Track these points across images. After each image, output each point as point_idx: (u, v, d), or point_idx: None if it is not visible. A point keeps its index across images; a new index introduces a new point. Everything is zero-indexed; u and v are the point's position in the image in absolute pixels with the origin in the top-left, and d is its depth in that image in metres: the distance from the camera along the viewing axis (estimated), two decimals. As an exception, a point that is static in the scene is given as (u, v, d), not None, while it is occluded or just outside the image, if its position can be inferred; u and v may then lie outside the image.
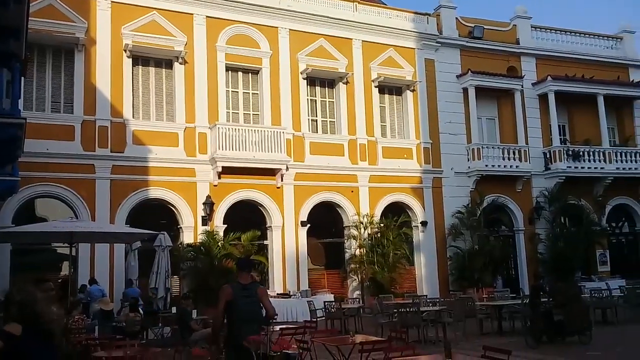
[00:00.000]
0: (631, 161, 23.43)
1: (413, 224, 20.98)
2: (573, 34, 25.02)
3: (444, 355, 5.86)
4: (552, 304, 12.02)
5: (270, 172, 18.75)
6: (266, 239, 19.06)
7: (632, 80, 24.98)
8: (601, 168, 22.75)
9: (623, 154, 23.43)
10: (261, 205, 18.93)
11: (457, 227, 20.70)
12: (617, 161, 23.14)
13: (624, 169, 23.19)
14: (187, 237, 17.58)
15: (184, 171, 17.84)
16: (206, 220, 17.67)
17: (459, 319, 13.08)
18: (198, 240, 17.35)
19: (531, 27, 24.07)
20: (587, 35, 25.29)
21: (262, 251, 18.74)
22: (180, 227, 17.78)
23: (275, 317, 6.35)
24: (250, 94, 19.82)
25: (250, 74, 19.84)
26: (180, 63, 18.35)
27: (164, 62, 18.63)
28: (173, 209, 17.81)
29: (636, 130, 24.92)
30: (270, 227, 18.96)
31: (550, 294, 12.36)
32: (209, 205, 17.66)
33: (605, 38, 25.71)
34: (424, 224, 20.91)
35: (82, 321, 10.21)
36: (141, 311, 12.90)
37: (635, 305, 15.98)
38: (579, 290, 13.44)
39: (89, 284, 15.01)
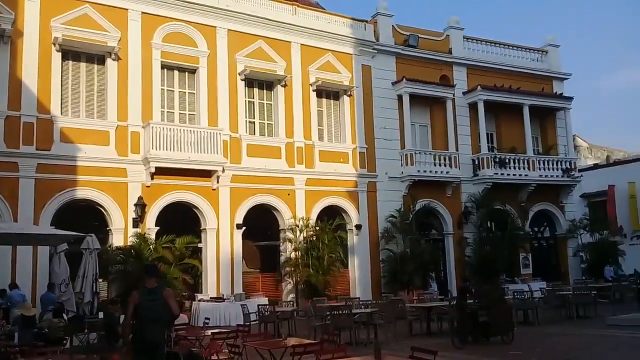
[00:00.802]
0: (553, 169, 24.79)
1: (348, 227, 21.28)
2: (502, 45, 26.19)
3: (373, 357, 6.02)
4: (478, 306, 12.53)
5: (206, 174, 18.50)
6: (200, 241, 18.78)
7: (556, 92, 26.45)
8: (525, 175, 23.93)
9: (545, 162, 24.75)
10: (196, 208, 18.64)
11: (390, 230, 21.18)
12: (540, 169, 24.40)
13: (546, 176, 24.49)
14: (117, 240, 17.04)
15: (115, 171, 17.30)
16: (137, 222, 17.20)
17: (389, 320, 13.38)
18: (128, 243, 16.85)
19: (463, 37, 25.02)
20: (515, 48, 26.55)
21: (196, 254, 18.44)
22: (110, 230, 17.23)
23: (178, 317, 6.98)
24: (187, 93, 19.49)
25: (186, 72, 19.51)
26: (113, 59, 17.80)
27: (96, 57, 18.01)
28: (102, 210, 17.22)
29: (558, 139, 26.37)
30: (205, 229, 18.70)
31: (476, 296, 12.89)
32: (141, 206, 17.21)
33: (532, 51, 27.08)
34: (358, 227, 21.26)
35: (2, 327, 9.71)
36: (65, 317, 12.39)
37: (555, 307, 16.94)
38: (503, 292, 14.10)
39: (9, 288, 14.22)
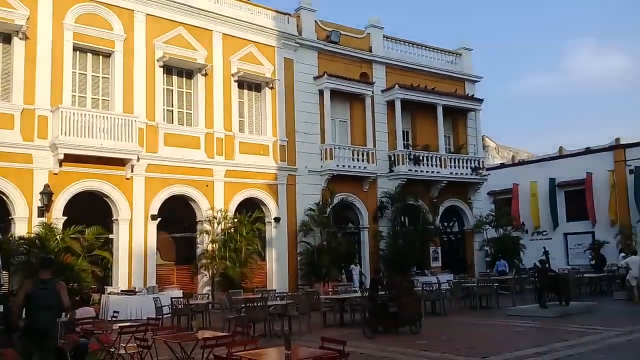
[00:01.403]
0: (463, 167, 26.05)
1: (267, 219, 21.31)
2: (420, 47, 27.10)
3: (284, 348, 6.13)
4: (389, 297, 13.01)
5: (120, 162, 17.87)
6: (112, 232, 18.13)
7: (467, 94, 27.75)
8: (437, 172, 24.98)
9: (456, 160, 25.96)
10: (108, 197, 17.97)
11: (308, 223, 21.45)
12: (451, 166, 25.56)
13: (456, 174, 25.71)
14: (20, 229, 16.10)
15: (19, 157, 16.33)
16: (43, 211, 16.33)
17: (304, 312, 13.59)
18: (33, 233, 15.97)
19: (383, 36, 25.65)
20: (432, 50, 27.56)
21: (107, 246, 17.80)
22: (12, 218, 16.25)
23: (68, 309, 7.16)
24: (101, 77, 18.70)
25: (101, 56, 18.70)
26: (20, 38, 16.76)
27: (2, 36, 16.90)
28: (4, 198, 16.19)
29: (468, 139, 27.72)
30: (117, 220, 18.07)
31: (387, 288, 13.37)
32: (47, 195, 16.35)
33: (447, 53, 28.22)
34: (277, 220, 21.34)
35: None
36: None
37: (460, 298, 17.90)
38: (412, 284, 14.70)
39: None
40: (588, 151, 37.09)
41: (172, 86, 20.19)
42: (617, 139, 35.99)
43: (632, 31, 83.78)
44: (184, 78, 20.50)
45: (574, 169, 35.59)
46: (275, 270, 21.14)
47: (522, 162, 43.29)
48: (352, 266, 21.73)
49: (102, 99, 18.61)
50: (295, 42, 22.69)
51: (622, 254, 22.14)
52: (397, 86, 24.47)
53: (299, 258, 21.48)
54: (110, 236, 18.09)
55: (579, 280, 21.34)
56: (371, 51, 25.00)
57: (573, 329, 12.58)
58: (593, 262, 25.52)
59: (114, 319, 11.40)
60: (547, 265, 18.38)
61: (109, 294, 16.61)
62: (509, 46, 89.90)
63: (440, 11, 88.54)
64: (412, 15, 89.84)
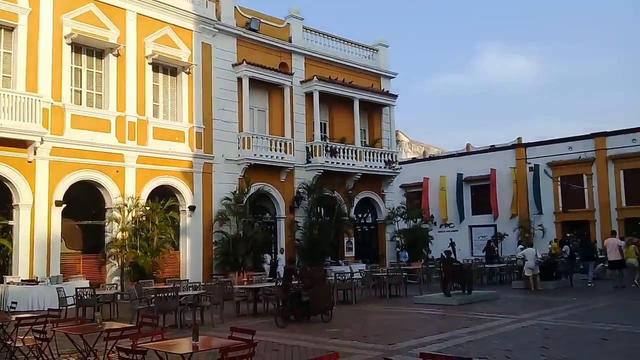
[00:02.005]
0: (377, 160, 26.78)
1: (181, 208, 20.84)
2: (339, 40, 27.42)
3: (191, 338, 6.07)
4: (301, 286, 13.17)
5: (21, 144, 16.80)
6: (12, 219, 17.02)
7: (383, 89, 28.47)
8: (353, 165, 25.50)
9: (371, 153, 26.63)
10: (7, 181, 16.83)
11: (224, 213, 21.20)
12: (366, 159, 26.19)
13: (371, 166, 26.38)
14: None
15: None
16: None
17: (216, 302, 13.46)
18: None
19: (303, 28, 25.71)
20: (350, 44, 27.96)
21: (6, 233, 16.70)
22: None
23: None
24: (2, 53, 17.41)
25: (2, 30, 17.41)
26: None
27: None
28: None
29: (383, 133, 28.48)
30: (18, 205, 16.98)
31: (300, 277, 13.53)
32: (-63, 177, 15.05)
33: (364, 48, 28.75)
34: (192, 208, 20.91)
35: None
36: None
37: (371, 287, 18.45)
38: (325, 274, 14.97)
39: None
40: (493, 149, 39.39)
41: (81, 66, 19.18)
42: (519, 138, 38.47)
43: (535, 38, 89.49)
44: (95, 58, 19.53)
45: (480, 165, 37.64)
46: (190, 260, 20.74)
47: (433, 157, 45.16)
48: (280, 255, 21.88)
49: (4, 76, 17.34)
50: (214, 27, 22.23)
51: (520, 246, 23.68)
52: (315, 78, 24.65)
53: (214, 247, 21.20)
54: (10, 223, 16.99)
55: (481, 270, 22.64)
56: (291, 42, 24.99)
57: (473, 316, 13.34)
58: (485, 254, 26.88)
59: (11, 310, 10.73)
60: (452, 256, 19.34)
61: (8, 283, 15.61)
62: (422, 46, 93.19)
63: (358, 7, 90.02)
64: (331, 9, 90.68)
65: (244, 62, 22.40)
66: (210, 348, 6.34)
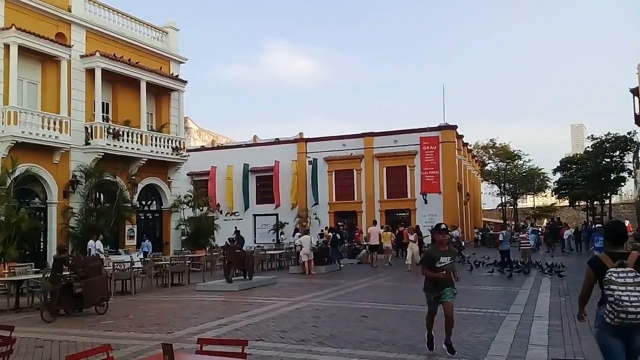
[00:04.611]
0: (164, 146, 26.02)
1: None
2: (125, 16, 25.78)
3: None
4: (74, 277, 12.27)
5: None
6: None
7: (172, 74, 27.71)
8: (137, 149, 24.37)
9: (157, 138, 25.76)
10: None
11: (-18, 196, 18.52)
12: (152, 144, 25.26)
13: (157, 152, 25.53)
14: None
15: None
16: None
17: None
18: None
19: (85, -3, 23.66)
20: (138, 22, 26.53)
21: None
22: None
23: None
24: None
25: None
26: None
27: None
28: None
29: (171, 119, 27.73)
30: None
31: (72, 267, 12.59)
32: None
33: (153, 29, 27.53)
34: (-64, 190, 17.83)
35: None
36: None
37: (153, 276, 17.97)
38: (101, 263, 14.14)
39: None
40: (277, 142, 41.36)
41: None
42: (301, 133, 41.06)
43: (320, 40, 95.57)
44: None
45: (265, 156, 39.24)
46: None
47: (221, 147, 45.62)
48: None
49: None
50: (-25, -17, 19.21)
51: (298, 234, 25.38)
52: (98, 54, 22.90)
53: (-34, 236, 18.38)
54: None
55: (262, 256, 23.68)
56: (70, 11, 22.79)
57: (253, 300, 13.93)
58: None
59: None
60: (236, 243, 19.86)
61: None
62: (216, 36, 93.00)
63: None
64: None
65: (13, 26, 19.76)
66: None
